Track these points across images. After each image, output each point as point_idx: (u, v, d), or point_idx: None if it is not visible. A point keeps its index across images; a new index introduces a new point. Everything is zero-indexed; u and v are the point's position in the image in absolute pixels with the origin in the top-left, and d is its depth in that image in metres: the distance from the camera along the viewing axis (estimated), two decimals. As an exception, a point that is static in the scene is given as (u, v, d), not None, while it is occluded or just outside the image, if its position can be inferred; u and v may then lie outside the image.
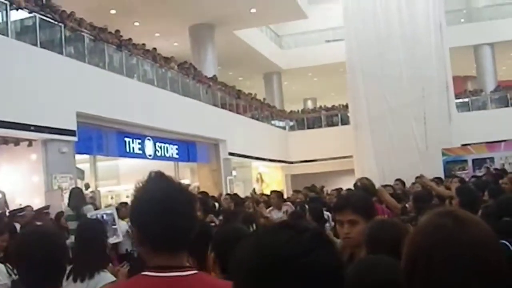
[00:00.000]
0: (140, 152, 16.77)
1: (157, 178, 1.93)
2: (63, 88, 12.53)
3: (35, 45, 12.37)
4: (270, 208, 9.63)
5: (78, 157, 13.62)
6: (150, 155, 17.16)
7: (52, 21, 13.33)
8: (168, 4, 21.33)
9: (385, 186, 9.81)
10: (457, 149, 21.65)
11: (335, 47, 28.51)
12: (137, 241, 1.89)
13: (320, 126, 30.10)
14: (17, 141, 12.37)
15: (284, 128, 30.23)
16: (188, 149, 19.81)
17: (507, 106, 27.49)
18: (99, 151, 15.70)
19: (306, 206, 8.35)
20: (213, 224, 7.51)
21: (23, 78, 11.43)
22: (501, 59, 32.03)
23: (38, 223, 8.71)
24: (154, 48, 18.96)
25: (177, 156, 19.08)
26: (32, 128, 11.45)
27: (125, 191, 17.67)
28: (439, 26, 24.31)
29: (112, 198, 18.00)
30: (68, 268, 3.45)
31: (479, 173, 17.38)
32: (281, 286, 1.20)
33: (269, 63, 30.81)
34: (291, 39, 33.80)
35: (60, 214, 9.98)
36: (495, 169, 15.84)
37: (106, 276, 3.66)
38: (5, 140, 12.23)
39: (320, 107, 34.06)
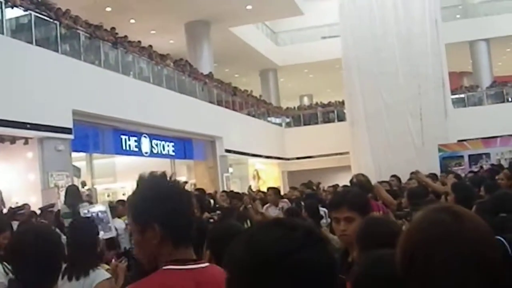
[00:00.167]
0: (137, 149, 16.77)
1: (161, 177, 2.00)
2: (59, 86, 12.51)
3: (31, 43, 12.35)
4: (267, 204, 9.63)
5: (74, 155, 13.60)
6: (146, 153, 17.17)
7: (48, 19, 13.32)
8: (164, 1, 21.30)
9: (381, 182, 9.82)
10: (453, 145, 21.70)
11: (331, 43, 28.49)
12: (157, 238, 1.90)
13: (317, 123, 30.10)
14: (13, 139, 12.36)
15: (280, 124, 30.24)
16: (185, 146, 19.81)
17: (503, 101, 27.57)
18: (95, 148, 15.70)
19: (302, 203, 8.36)
20: (211, 220, 7.56)
21: (18, 76, 11.41)
22: (497, 54, 32.05)
23: (43, 221, 8.73)
24: (150, 46, 18.93)
25: (173, 154, 19.08)
26: (28, 126, 11.44)
27: (122, 189, 17.67)
28: (435, 22, 24.32)
29: (108, 196, 17.98)
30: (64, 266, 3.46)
31: (475, 169, 17.45)
32: (273, 283, 1.21)
33: (265, 60, 30.78)
34: (287, 36, 33.78)
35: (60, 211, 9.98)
36: (492, 164, 15.88)
37: (101, 273, 3.68)
38: (1, 138, 12.21)
39: (316, 103, 34.04)
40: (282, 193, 11.97)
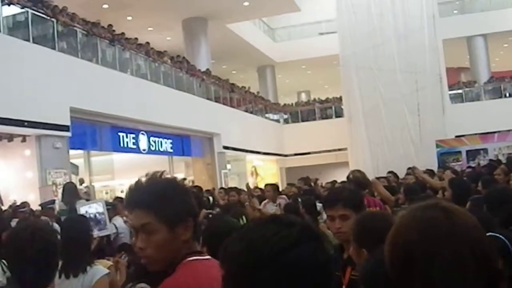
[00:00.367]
0: (134, 146, 16.75)
1: (163, 175, 2.02)
2: (56, 83, 12.50)
3: (28, 40, 12.34)
4: (266, 201, 9.63)
5: (72, 152, 13.60)
6: (144, 150, 17.15)
7: (44, 16, 13.29)
8: (161, -2, 21.29)
9: (379, 178, 9.82)
10: (451, 140, 21.73)
11: (328, 39, 28.44)
12: (190, 232, 1.95)
13: (314, 119, 30.12)
14: (10, 137, 12.36)
15: (278, 121, 30.24)
16: (182, 143, 19.81)
17: (500, 97, 27.58)
18: (93, 146, 15.69)
19: (299, 199, 8.35)
20: (210, 216, 7.60)
21: (15, 74, 11.41)
22: (495, 50, 32.07)
23: (44, 217, 8.74)
24: (147, 43, 18.91)
25: (171, 150, 19.07)
26: (25, 123, 11.44)
27: (120, 186, 17.66)
28: (432, 18, 24.34)
29: (107, 193, 17.98)
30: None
31: (473, 164, 17.47)
32: (269, 280, 1.21)
33: (262, 56, 30.77)
34: (284, 32, 33.72)
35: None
36: (490, 160, 15.89)
37: (100, 269, 3.68)
38: (-2, 136, 12.23)
39: (314, 100, 34.07)
40: (280, 189, 11.96)
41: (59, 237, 2.87)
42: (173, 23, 23.94)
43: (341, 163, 24.89)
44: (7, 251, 2.64)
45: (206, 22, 24.48)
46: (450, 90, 26.72)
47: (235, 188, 11.91)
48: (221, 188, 13.86)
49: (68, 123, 12.74)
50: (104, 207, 6.09)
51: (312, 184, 13.81)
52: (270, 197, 9.62)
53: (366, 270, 2.07)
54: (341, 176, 14.37)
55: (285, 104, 32.66)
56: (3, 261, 4.61)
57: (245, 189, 11.10)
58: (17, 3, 12.46)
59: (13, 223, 7.26)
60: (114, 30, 16.93)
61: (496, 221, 3.25)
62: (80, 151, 15.19)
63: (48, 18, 13.36)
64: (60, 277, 3.52)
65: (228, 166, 22.25)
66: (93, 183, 16.21)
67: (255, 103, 27.67)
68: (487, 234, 2.49)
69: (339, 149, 26.06)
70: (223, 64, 29.87)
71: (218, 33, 24.93)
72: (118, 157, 17.96)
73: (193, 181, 18.47)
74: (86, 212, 5.66)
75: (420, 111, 23.47)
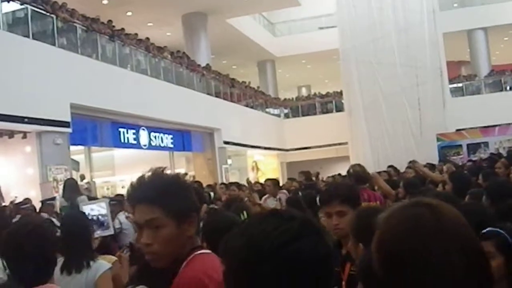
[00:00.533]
0: (135, 142, 16.75)
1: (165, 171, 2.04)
2: (56, 79, 12.49)
3: (27, 36, 12.32)
4: (266, 196, 9.64)
5: (72, 148, 13.60)
6: (145, 145, 17.15)
7: (44, 12, 13.27)
8: (160, -7, 21.27)
9: (379, 172, 9.84)
10: (451, 134, 21.76)
11: (328, 34, 28.43)
12: (195, 227, 1.97)
13: (315, 113, 30.08)
14: (11, 134, 12.37)
15: (278, 116, 30.21)
16: (183, 138, 19.80)
17: (501, 90, 27.55)
18: (93, 142, 15.70)
19: (300, 194, 8.35)
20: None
21: (15, 70, 11.40)
22: (495, 43, 32.02)
23: (43, 213, 8.76)
24: (147, 38, 18.87)
25: (172, 146, 19.07)
26: (26, 120, 11.43)
27: (121, 182, 17.68)
28: (432, 12, 24.32)
29: (108, 189, 18.00)
30: (61, 260, 3.47)
31: (473, 158, 17.48)
32: (270, 274, 1.21)
33: (262, 51, 30.72)
34: (284, 27, 33.67)
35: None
36: (491, 153, 15.91)
37: (103, 264, 3.69)
38: (-1, 133, 12.23)
39: (315, 94, 34.03)
40: (281, 184, 11.98)
41: (58, 233, 2.88)
42: (173, 18, 23.90)
43: (342, 157, 24.92)
44: (6, 248, 2.64)
45: (206, 17, 24.43)
46: (450, 83, 26.70)
47: (236, 183, 11.94)
48: (222, 183, 13.87)
49: (68, 119, 12.74)
50: (107, 208, 6.07)
51: (313, 178, 13.80)
52: (271, 192, 9.63)
53: (362, 264, 2.08)
54: (341, 170, 14.43)
55: (285, 99, 32.64)
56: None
57: (246, 184, 11.11)
58: (17, 0, 12.45)
59: (16, 219, 7.29)
60: (113, 26, 16.90)
61: (493, 213, 3.25)
62: (80, 147, 15.20)
63: (48, 14, 13.34)
64: (62, 273, 3.53)
65: (229, 161, 22.25)
66: (94, 179, 16.24)
67: (256, 98, 27.64)
68: (488, 229, 2.50)
69: (340, 143, 26.04)
70: (223, 59, 29.84)
71: (218, 28, 24.89)
72: (119, 153, 17.97)
73: (194, 176, 18.46)
74: (89, 214, 5.65)
75: (420, 105, 23.49)
